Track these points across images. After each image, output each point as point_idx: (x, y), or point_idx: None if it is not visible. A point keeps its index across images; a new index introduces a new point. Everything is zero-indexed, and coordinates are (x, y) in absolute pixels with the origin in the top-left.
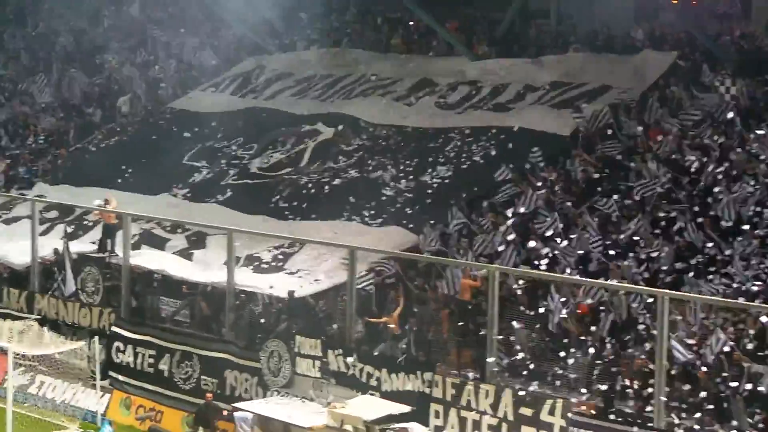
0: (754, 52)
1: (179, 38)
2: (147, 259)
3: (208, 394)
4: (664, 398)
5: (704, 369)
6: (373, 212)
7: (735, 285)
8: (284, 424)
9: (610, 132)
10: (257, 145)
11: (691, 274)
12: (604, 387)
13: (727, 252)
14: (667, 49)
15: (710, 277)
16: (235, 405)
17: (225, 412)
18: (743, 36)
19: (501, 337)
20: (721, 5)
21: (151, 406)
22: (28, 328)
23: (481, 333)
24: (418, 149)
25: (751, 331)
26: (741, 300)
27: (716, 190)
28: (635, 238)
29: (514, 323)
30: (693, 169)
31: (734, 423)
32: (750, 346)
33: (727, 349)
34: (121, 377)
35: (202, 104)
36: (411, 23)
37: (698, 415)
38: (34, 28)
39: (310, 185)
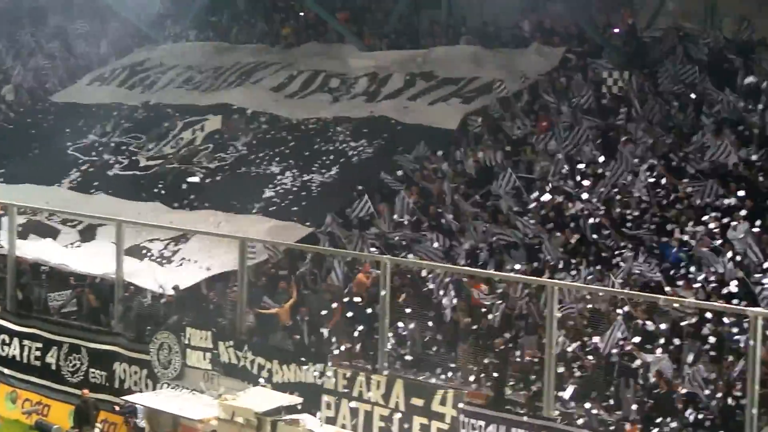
0: (642, 45)
1: (67, 27)
2: (34, 250)
3: (84, 390)
4: (572, 391)
5: (590, 358)
6: (263, 203)
7: (635, 275)
8: (174, 416)
9: (498, 125)
10: (146, 137)
11: (584, 265)
12: (494, 376)
13: (622, 243)
14: (557, 41)
15: (600, 267)
16: (125, 398)
17: (117, 407)
18: (631, 27)
19: (394, 333)
20: None
21: (38, 399)
22: None
23: (374, 325)
24: (307, 141)
25: (641, 322)
26: (627, 290)
27: (607, 181)
28: (527, 230)
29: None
30: (583, 160)
31: (620, 413)
32: (637, 340)
33: (619, 336)
34: (6, 371)
35: (89, 95)
36: (301, 13)
37: (588, 405)
38: None
39: (199, 176)
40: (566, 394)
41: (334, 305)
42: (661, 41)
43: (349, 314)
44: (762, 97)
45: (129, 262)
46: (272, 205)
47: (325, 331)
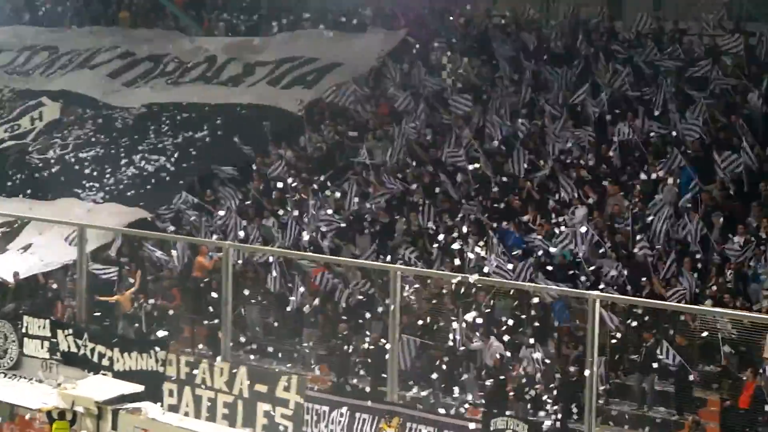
0: (482, 31)
1: None
2: None
3: None
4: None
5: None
6: (104, 190)
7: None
8: (11, 406)
9: (339, 109)
10: None
11: (423, 249)
12: (338, 362)
13: (465, 229)
14: (397, 27)
15: (435, 254)
16: None
17: None
18: (471, 14)
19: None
20: None
21: None
22: None
23: (215, 311)
24: (148, 126)
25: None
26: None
27: (449, 167)
28: (366, 215)
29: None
30: (426, 145)
31: (462, 396)
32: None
33: (455, 326)
34: None
35: None
36: None
37: (429, 390)
38: None
39: (37, 162)
40: (411, 376)
41: (176, 292)
42: (500, 28)
43: (192, 301)
44: (602, 87)
45: None
46: (112, 192)
47: (167, 319)
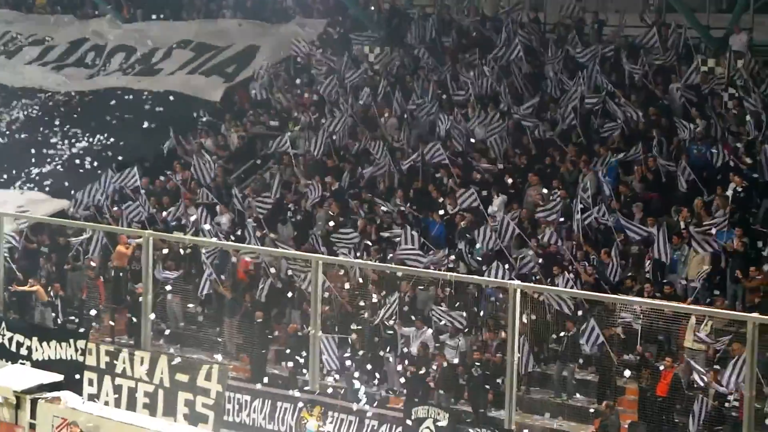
0: (403, 19)
1: None
2: None
3: None
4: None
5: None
6: (22, 179)
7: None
8: None
9: (260, 98)
10: None
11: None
12: (260, 351)
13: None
14: (317, 16)
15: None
16: None
17: None
18: (392, 5)
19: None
20: None
21: None
22: None
23: (136, 299)
24: (70, 114)
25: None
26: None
27: (371, 158)
28: (286, 203)
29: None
30: (337, 135)
31: (386, 384)
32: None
33: (382, 313)
34: None
35: None
36: None
37: (356, 375)
38: None
39: None
40: (332, 365)
41: (95, 280)
42: (421, 18)
43: (111, 290)
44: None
45: None
46: (33, 180)
47: (86, 307)
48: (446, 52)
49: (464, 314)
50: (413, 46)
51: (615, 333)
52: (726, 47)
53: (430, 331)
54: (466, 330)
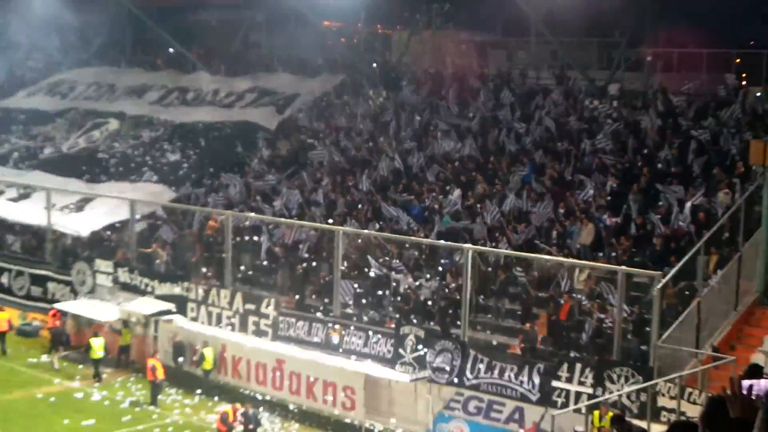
0: (395, 73)
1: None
2: None
3: (57, 322)
4: (352, 297)
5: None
6: (146, 175)
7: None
8: (88, 318)
9: (301, 125)
10: (66, 131)
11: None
12: (301, 290)
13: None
14: (338, 70)
15: (373, 218)
16: (55, 305)
17: (52, 312)
18: (386, 62)
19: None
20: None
21: (8, 315)
22: None
23: (222, 255)
24: (182, 133)
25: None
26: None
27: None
28: (324, 195)
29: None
30: (355, 150)
31: (383, 312)
32: (396, 262)
33: (376, 265)
34: None
35: (22, 102)
36: (171, 50)
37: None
38: None
39: (103, 158)
40: (348, 299)
41: (195, 243)
42: (410, 73)
43: (205, 249)
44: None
45: (56, 215)
46: (154, 177)
47: (189, 261)
48: (422, 94)
49: (434, 265)
50: (401, 89)
51: (533, 277)
52: (606, 92)
53: (410, 277)
54: (436, 276)
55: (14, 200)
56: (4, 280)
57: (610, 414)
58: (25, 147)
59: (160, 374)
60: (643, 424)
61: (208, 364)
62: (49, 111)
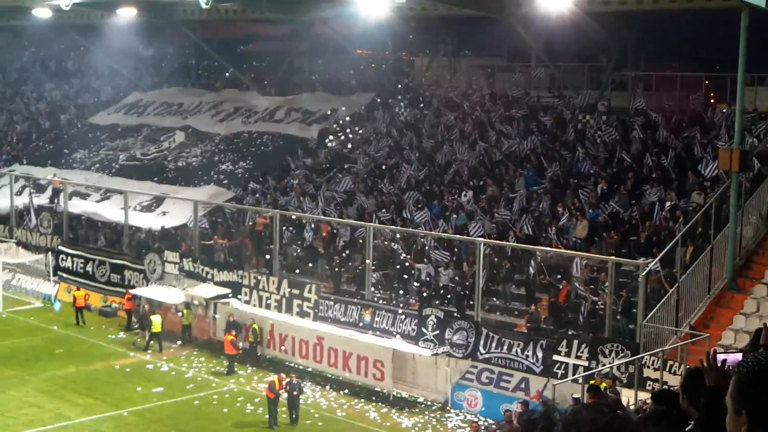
0: (416, 92)
1: (88, 80)
2: (77, 208)
3: (128, 294)
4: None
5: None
6: (207, 180)
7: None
8: (159, 302)
9: (340, 136)
10: (139, 142)
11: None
12: (338, 277)
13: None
14: (369, 90)
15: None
16: (131, 291)
17: (127, 295)
18: (410, 82)
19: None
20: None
21: (84, 292)
22: (10, 247)
23: (270, 247)
24: (237, 144)
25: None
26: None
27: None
28: (359, 197)
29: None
30: (383, 158)
31: (407, 296)
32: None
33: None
34: (65, 275)
35: (107, 119)
36: (227, 73)
37: (388, 293)
38: None
39: (172, 165)
40: (378, 286)
41: (246, 237)
42: (429, 91)
43: (256, 243)
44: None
45: (132, 214)
46: (214, 181)
47: (243, 253)
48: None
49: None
50: (423, 105)
51: (536, 266)
52: (596, 109)
53: (430, 266)
54: (453, 265)
55: (98, 201)
56: (89, 268)
57: (604, 384)
58: (107, 156)
59: (236, 348)
60: (631, 392)
61: (252, 338)
62: (127, 126)
